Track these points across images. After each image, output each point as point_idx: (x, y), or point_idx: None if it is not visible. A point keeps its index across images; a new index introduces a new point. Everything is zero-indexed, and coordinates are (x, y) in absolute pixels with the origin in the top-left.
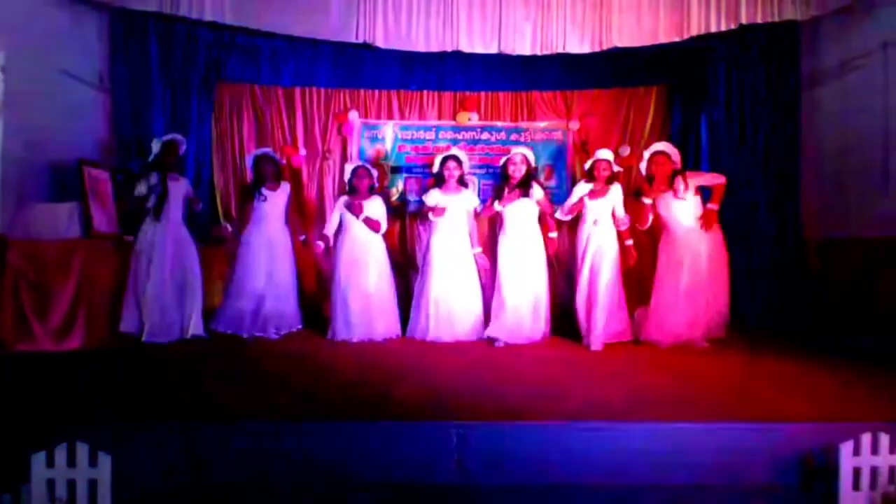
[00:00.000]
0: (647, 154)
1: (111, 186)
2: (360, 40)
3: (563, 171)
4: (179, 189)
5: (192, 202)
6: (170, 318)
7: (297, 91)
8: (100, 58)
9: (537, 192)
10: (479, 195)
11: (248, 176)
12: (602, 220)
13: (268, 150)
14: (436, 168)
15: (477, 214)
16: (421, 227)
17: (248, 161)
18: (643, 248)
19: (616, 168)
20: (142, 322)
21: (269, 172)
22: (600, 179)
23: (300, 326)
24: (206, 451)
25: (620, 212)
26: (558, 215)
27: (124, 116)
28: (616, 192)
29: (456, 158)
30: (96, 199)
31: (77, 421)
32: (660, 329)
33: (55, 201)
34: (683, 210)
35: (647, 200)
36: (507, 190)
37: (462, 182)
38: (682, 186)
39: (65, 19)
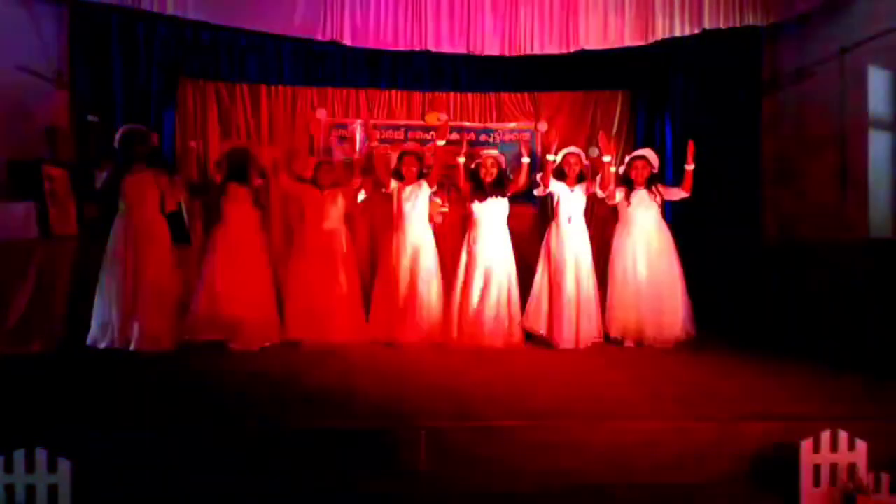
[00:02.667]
0: (627, 158)
1: (70, 185)
2: (327, 38)
3: (532, 171)
4: (142, 183)
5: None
6: (115, 324)
7: (263, 88)
8: (59, 54)
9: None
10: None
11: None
12: (576, 217)
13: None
14: (394, 163)
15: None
16: None
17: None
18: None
19: (586, 162)
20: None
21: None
22: (571, 175)
23: (277, 337)
24: (165, 459)
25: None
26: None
27: (84, 113)
28: (588, 189)
29: (414, 153)
30: (55, 198)
31: (37, 426)
32: (623, 327)
33: (11, 200)
34: (644, 208)
35: (606, 158)
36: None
37: (421, 175)
38: (657, 198)
39: (21, 15)
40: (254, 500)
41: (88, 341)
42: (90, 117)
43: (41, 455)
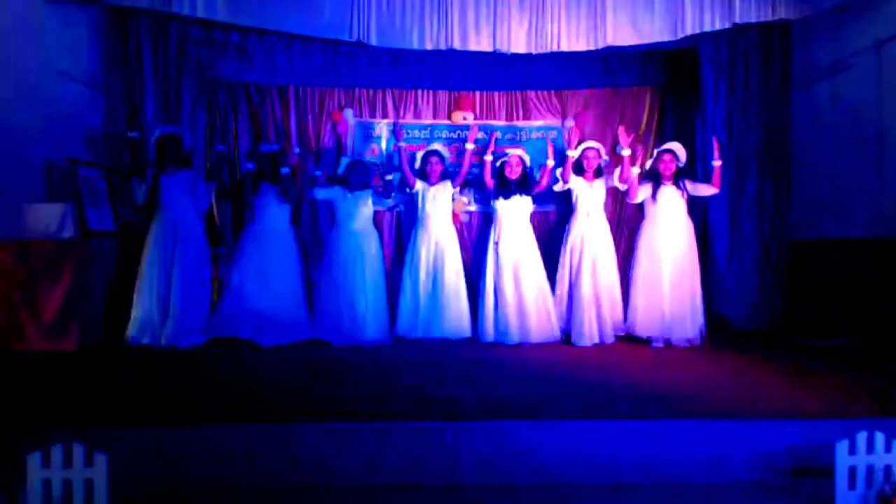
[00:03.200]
0: (655, 151)
1: (105, 186)
2: (354, 38)
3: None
4: (178, 184)
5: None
6: (155, 320)
7: (291, 90)
8: (92, 57)
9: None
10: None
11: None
12: (595, 212)
13: (274, 146)
14: (418, 164)
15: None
16: None
17: (260, 151)
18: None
19: (605, 158)
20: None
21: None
22: (589, 169)
23: (306, 335)
24: (200, 454)
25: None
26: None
27: (117, 116)
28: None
29: (438, 154)
30: (90, 198)
31: (72, 423)
32: (646, 324)
33: (49, 201)
34: (671, 205)
35: (626, 152)
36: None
37: (444, 175)
38: (684, 194)
39: (56, 18)
40: (280, 496)
41: (130, 339)
42: (131, 134)
43: (78, 450)
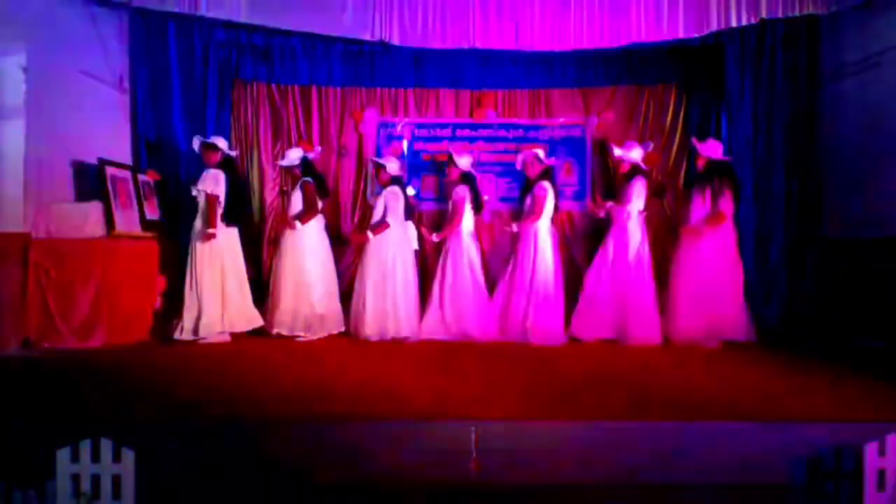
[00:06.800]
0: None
1: (133, 186)
2: (376, 38)
3: (582, 167)
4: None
5: None
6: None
7: (314, 89)
8: (120, 59)
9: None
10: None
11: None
12: (620, 213)
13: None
14: None
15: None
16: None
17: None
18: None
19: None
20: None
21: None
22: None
23: (343, 328)
24: (225, 450)
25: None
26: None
27: (144, 117)
28: (638, 187)
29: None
30: (118, 198)
31: (101, 419)
32: (672, 327)
33: (77, 201)
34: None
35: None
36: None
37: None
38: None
39: (85, 21)
40: (310, 490)
41: (190, 335)
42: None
43: (106, 445)
